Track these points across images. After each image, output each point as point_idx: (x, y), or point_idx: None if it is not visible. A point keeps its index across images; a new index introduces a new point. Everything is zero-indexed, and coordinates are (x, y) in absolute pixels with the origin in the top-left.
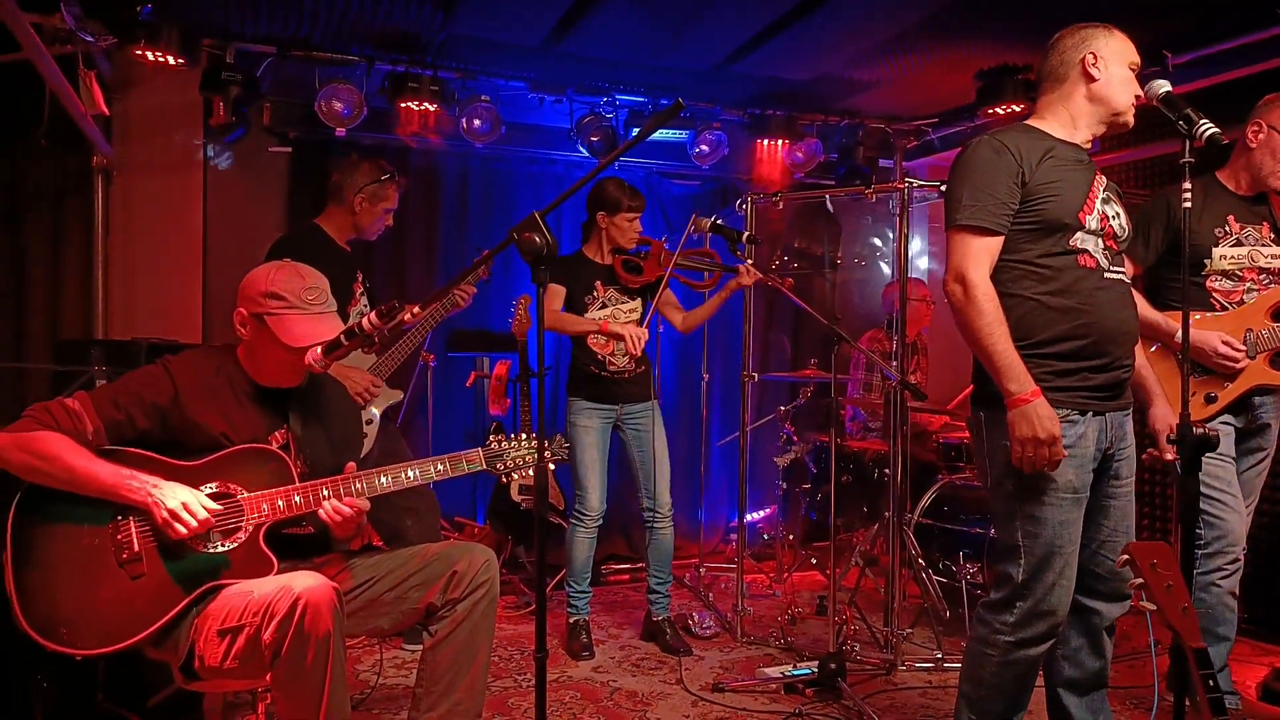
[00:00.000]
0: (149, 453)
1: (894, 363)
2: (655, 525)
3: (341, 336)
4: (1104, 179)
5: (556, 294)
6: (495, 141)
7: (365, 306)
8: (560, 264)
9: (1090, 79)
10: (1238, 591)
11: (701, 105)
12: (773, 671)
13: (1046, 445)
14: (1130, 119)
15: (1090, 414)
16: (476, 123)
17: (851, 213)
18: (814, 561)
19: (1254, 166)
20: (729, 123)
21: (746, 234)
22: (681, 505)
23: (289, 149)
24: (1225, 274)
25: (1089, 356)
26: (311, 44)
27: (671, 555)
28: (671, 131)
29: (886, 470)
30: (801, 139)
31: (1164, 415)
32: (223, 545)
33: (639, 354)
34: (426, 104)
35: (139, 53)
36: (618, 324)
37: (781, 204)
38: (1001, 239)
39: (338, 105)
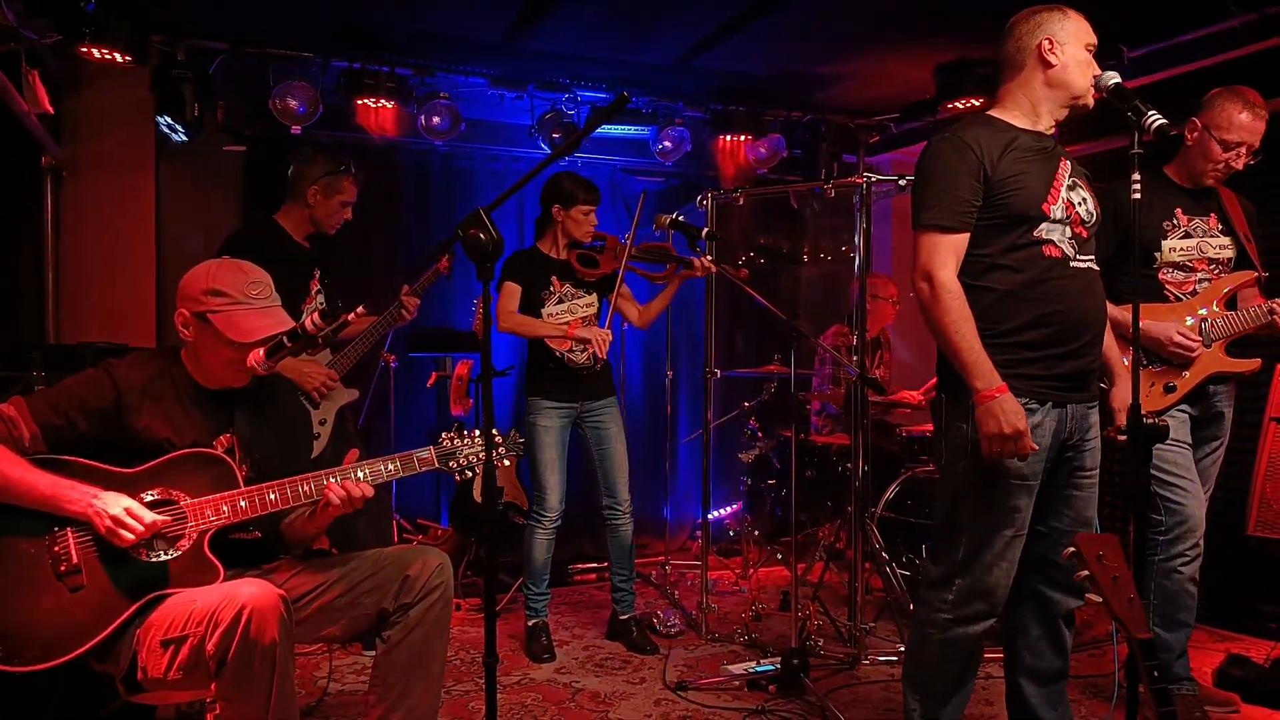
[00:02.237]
0: (88, 461)
1: (855, 358)
2: (615, 522)
3: (284, 338)
4: (1069, 164)
5: (512, 294)
6: (456, 138)
7: (322, 304)
8: (515, 260)
9: (1048, 65)
10: (1198, 578)
11: (664, 101)
12: (737, 668)
13: (1013, 440)
14: (1090, 101)
15: (1050, 404)
16: (436, 120)
17: (817, 210)
18: (779, 557)
19: (1190, 163)
20: (692, 119)
21: (706, 230)
22: (647, 502)
23: (243, 147)
24: (1176, 265)
25: (1055, 345)
26: (265, 40)
27: (632, 551)
28: (634, 127)
29: (849, 465)
30: (764, 135)
31: (1122, 394)
32: (166, 554)
33: (604, 356)
34: (384, 101)
35: (85, 50)
36: (583, 328)
37: (742, 200)
38: (967, 236)
39: (293, 102)
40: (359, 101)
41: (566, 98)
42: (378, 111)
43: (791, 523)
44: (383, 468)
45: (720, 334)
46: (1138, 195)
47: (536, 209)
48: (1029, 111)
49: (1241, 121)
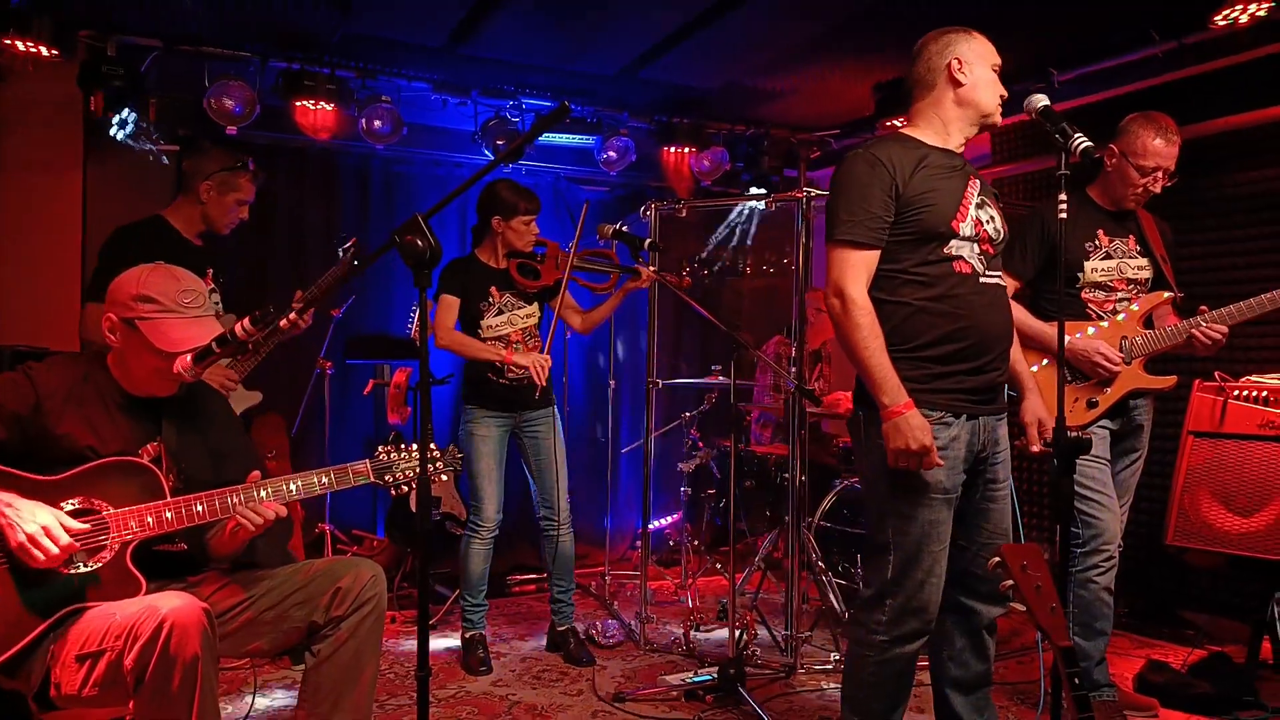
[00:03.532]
0: (4, 467)
1: (793, 369)
2: (552, 533)
3: (213, 343)
4: (978, 183)
5: (450, 307)
6: (397, 143)
7: (216, 302)
8: (452, 270)
9: (957, 84)
10: (1113, 587)
11: (609, 111)
12: (674, 679)
13: (918, 456)
14: (998, 119)
15: (964, 417)
16: (377, 123)
17: (760, 222)
18: (718, 566)
19: (1110, 187)
20: (636, 129)
21: (649, 240)
22: (588, 512)
23: (176, 147)
24: (1098, 285)
25: (965, 359)
26: (200, 39)
27: (573, 562)
28: (579, 137)
29: (788, 475)
30: (708, 147)
31: (1032, 408)
32: (86, 565)
33: (544, 384)
34: (323, 103)
35: (8, 42)
36: (521, 354)
37: (685, 212)
38: (878, 252)
39: (229, 103)
40: (297, 103)
41: (511, 105)
42: (317, 114)
43: (730, 533)
44: (316, 480)
45: (663, 344)
46: (1064, 215)
47: (478, 216)
48: (940, 130)
49: (1155, 148)
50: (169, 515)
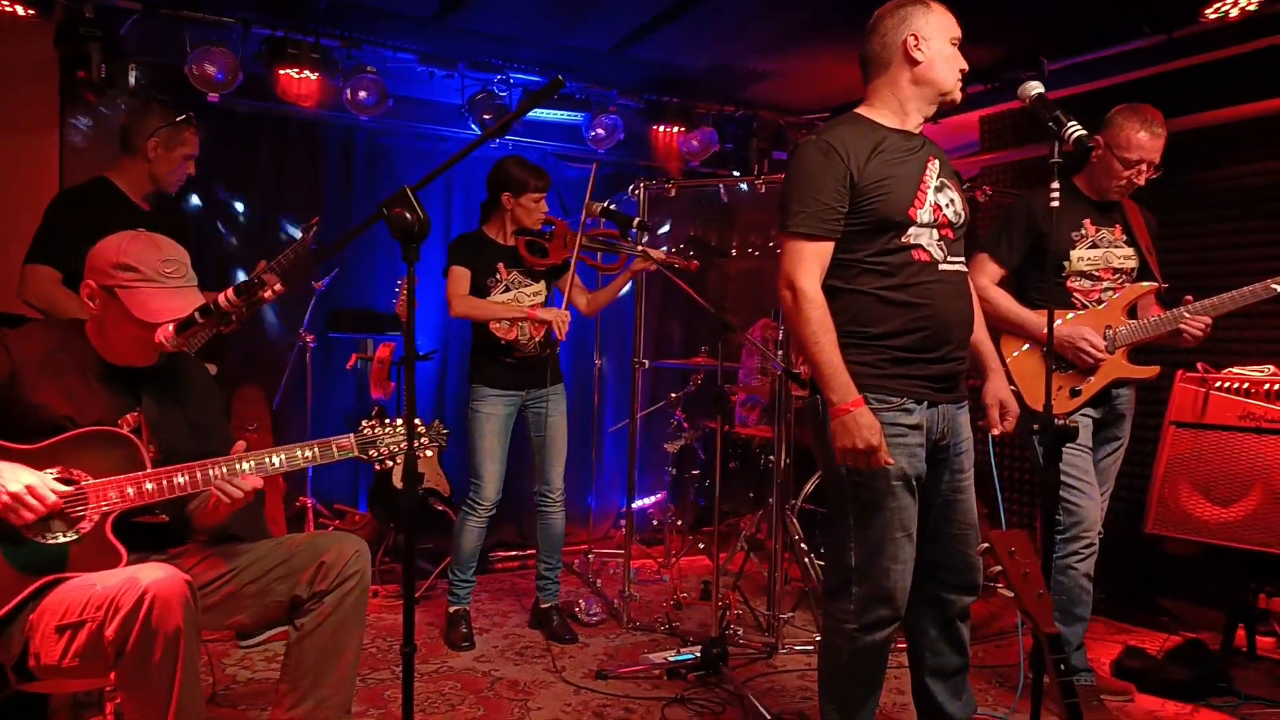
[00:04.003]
0: None
1: (779, 352)
2: (546, 510)
3: (196, 314)
4: (938, 163)
5: (461, 277)
6: (382, 115)
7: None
8: (461, 243)
9: (914, 62)
10: (1092, 574)
11: (598, 88)
12: (656, 657)
13: (865, 455)
14: (958, 96)
15: (924, 404)
16: (362, 94)
17: (747, 202)
18: (701, 546)
19: (1096, 178)
20: (625, 108)
21: (638, 219)
22: (573, 491)
23: None
24: (1084, 274)
25: (925, 349)
26: (182, 2)
27: (562, 540)
28: (567, 113)
29: (772, 457)
30: (697, 127)
31: (994, 389)
32: (64, 535)
33: (565, 337)
34: (307, 72)
35: None
36: (543, 309)
37: (674, 192)
38: (832, 244)
39: (211, 69)
40: (281, 71)
41: (499, 79)
42: (300, 83)
43: (714, 513)
44: (300, 454)
45: (650, 325)
46: (1056, 202)
47: (466, 191)
48: (897, 110)
49: (1140, 140)
50: (149, 486)
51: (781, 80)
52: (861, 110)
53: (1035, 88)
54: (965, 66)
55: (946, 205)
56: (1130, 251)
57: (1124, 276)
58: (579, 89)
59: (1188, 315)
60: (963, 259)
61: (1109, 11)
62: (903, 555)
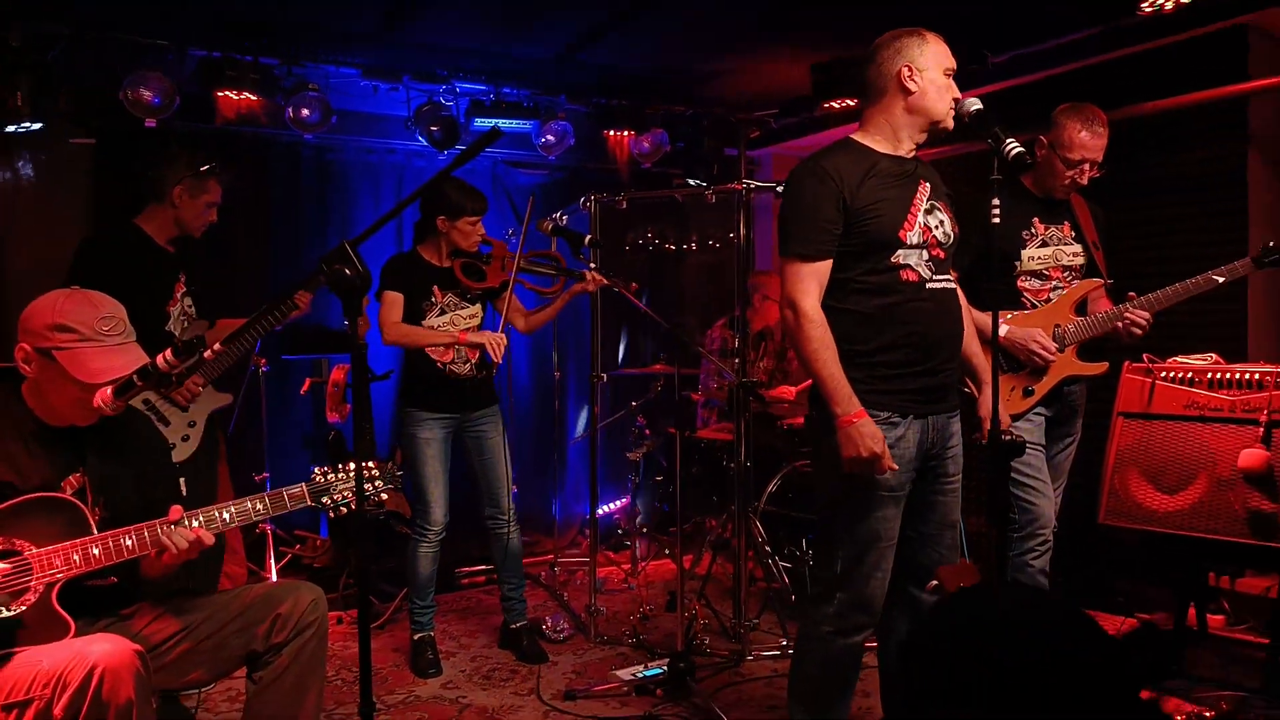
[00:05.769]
0: None
1: (736, 361)
2: (500, 531)
3: (134, 376)
4: (928, 187)
5: (395, 303)
6: (328, 130)
7: (189, 307)
8: (395, 266)
9: (907, 92)
10: (1049, 570)
11: (545, 96)
12: (624, 673)
13: (870, 462)
14: (950, 124)
15: (911, 417)
16: (305, 112)
17: (701, 199)
18: (668, 552)
19: (1041, 178)
20: (574, 112)
21: (590, 237)
22: (537, 502)
23: (92, 140)
24: (1034, 274)
25: (911, 364)
26: (113, 25)
27: (521, 557)
28: (516, 121)
29: (732, 463)
30: (647, 129)
31: (987, 402)
32: (8, 610)
33: (500, 360)
34: (247, 93)
35: None
36: (475, 333)
37: (624, 204)
38: (829, 263)
39: (146, 93)
40: (219, 93)
41: (444, 89)
42: (240, 103)
43: (678, 519)
44: (250, 508)
45: (607, 334)
46: (997, 219)
47: (415, 212)
48: (890, 136)
49: (1082, 141)
50: (96, 552)
51: (729, 79)
52: (856, 136)
53: (973, 105)
54: (959, 95)
55: (936, 227)
56: (1078, 248)
57: (1073, 274)
58: (526, 96)
59: (1129, 312)
60: (950, 276)
61: (1051, 4)
62: (884, 564)
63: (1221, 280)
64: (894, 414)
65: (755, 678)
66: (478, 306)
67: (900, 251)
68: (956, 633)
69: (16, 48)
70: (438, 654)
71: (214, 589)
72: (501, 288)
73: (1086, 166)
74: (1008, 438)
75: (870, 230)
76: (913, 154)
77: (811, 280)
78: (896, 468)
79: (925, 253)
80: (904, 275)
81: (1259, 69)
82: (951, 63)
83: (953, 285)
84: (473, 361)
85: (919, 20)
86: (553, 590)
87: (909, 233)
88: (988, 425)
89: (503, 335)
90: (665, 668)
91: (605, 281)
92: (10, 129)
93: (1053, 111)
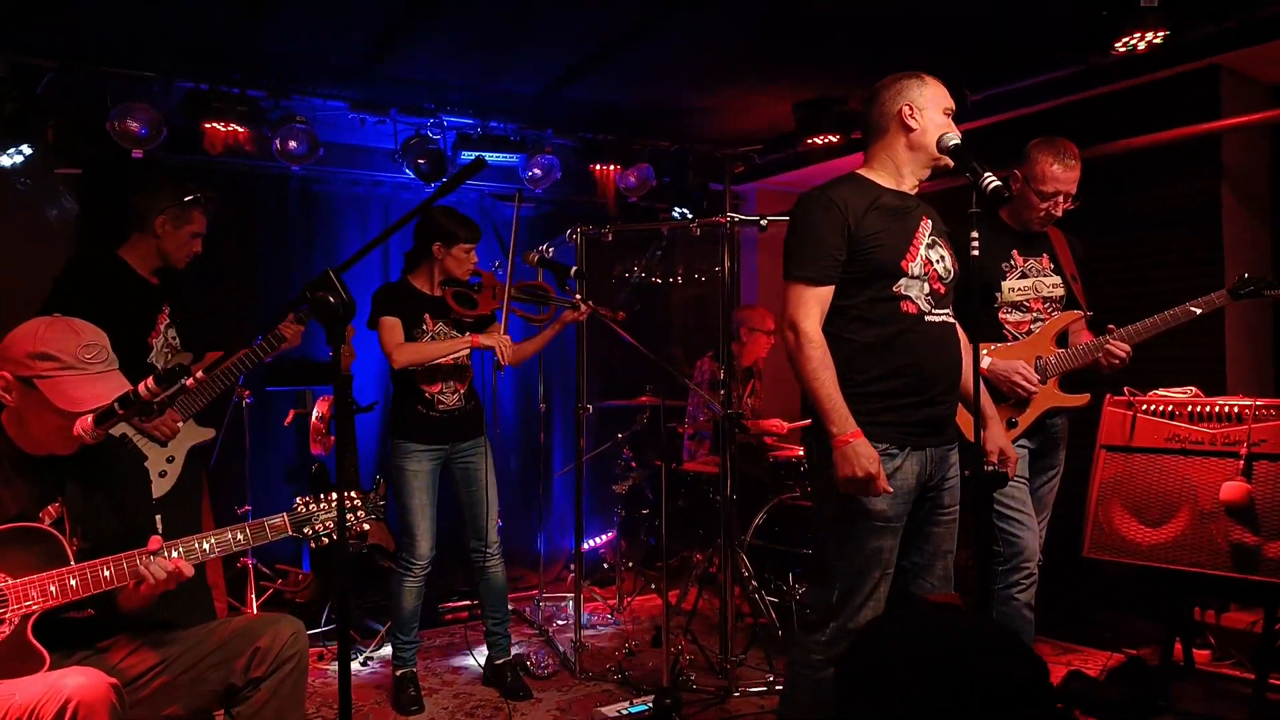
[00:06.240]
0: None
1: (722, 393)
2: (486, 565)
3: (115, 404)
4: (930, 223)
5: (395, 327)
6: (314, 162)
7: (173, 338)
8: (386, 294)
9: (909, 129)
10: (1034, 603)
11: (532, 130)
12: (610, 710)
13: (865, 482)
14: (950, 161)
15: (909, 448)
16: (292, 144)
17: (687, 233)
18: (654, 586)
19: (1018, 211)
20: (561, 146)
21: (575, 269)
22: (522, 535)
23: (78, 170)
24: (1015, 305)
25: (910, 394)
26: (101, 57)
27: (505, 591)
28: (503, 155)
29: (719, 496)
30: (633, 164)
31: (993, 437)
32: None
33: (507, 362)
34: (234, 125)
35: None
36: (485, 336)
37: (610, 237)
38: (831, 288)
39: (133, 124)
40: (206, 125)
41: (432, 123)
42: (227, 135)
43: (663, 553)
44: (231, 538)
45: (594, 365)
46: (976, 253)
47: (404, 233)
48: (893, 172)
49: (1054, 174)
50: (73, 583)
51: (715, 115)
52: (861, 171)
53: (952, 139)
54: (959, 135)
55: (937, 261)
56: (1058, 280)
57: (1053, 305)
58: (513, 130)
59: (1112, 342)
60: (949, 311)
61: (1028, 43)
62: (878, 594)
63: (1199, 311)
64: (891, 445)
65: (742, 714)
66: (468, 335)
67: (903, 281)
68: (880, 658)
69: (4, 79)
70: (420, 691)
71: (212, 618)
72: (492, 316)
73: (1060, 199)
74: (990, 468)
75: (874, 258)
76: (915, 190)
77: (814, 304)
78: (891, 489)
79: (926, 285)
80: (904, 306)
81: (1231, 107)
82: (950, 103)
83: (952, 320)
84: (461, 392)
85: (900, 58)
86: (538, 626)
87: (911, 263)
88: (993, 459)
89: (507, 336)
90: (651, 704)
91: (594, 310)
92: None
93: (1025, 147)
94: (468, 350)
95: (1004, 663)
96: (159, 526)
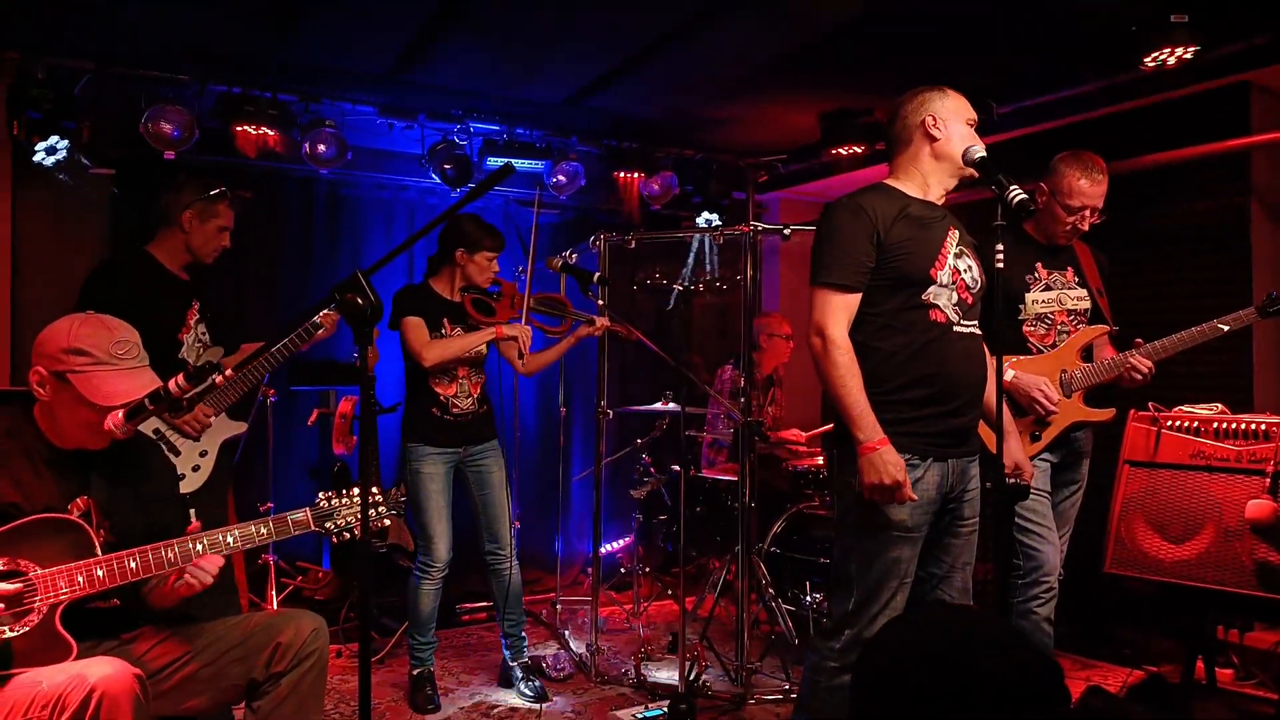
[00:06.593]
0: None
1: (742, 400)
2: (500, 567)
3: (146, 400)
4: (957, 234)
5: (419, 326)
6: (342, 166)
7: (203, 334)
8: (407, 295)
9: (932, 139)
10: (1053, 618)
11: (557, 137)
12: (624, 714)
13: (891, 490)
14: (975, 171)
15: (931, 459)
16: (321, 148)
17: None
18: (670, 592)
19: (1043, 224)
20: (585, 154)
21: (598, 275)
22: (540, 538)
23: (112, 170)
24: (1039, 318)
25: (935, 404)
26: (136, 61)
27: (521, 593)
28: (528, 161)
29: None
30: (657, 172)
31: (1011, 451)
32: (11, 630)
33: (528, 351)
34: (265, 128)
35: None
36: (508, 326)
37: (634, 244)
38: (859, 295)
39: (166, 126)
40: (238, 128)
41: (458, 129)
42: (258, 138)
43: (680, 559)
44: (254, 531)
45: (614, 370)
46: (1001, 264)
47: (430, 238)
48: (920, 183)
49: (1081, 188)
50: (100, 573)
51: (738, 125)
52: (888, 181)
53: (977, 152)
54: (984, 147)
55: (965, 270)
56: (1083, 293)
57: (1078, 318)
58: (539, 137)
59: (1136, 358)
60: (976, 323)
61: (1054, 57)
62: (895, 604)
63: (1226, 329)
64: (914, 455)
65: None
66: (492, 325)
67: (931, 289)
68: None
69: (41, 81)
70: (437, 690)
71: (237, 613)
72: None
73: (1087, 213)
74: (1012, 481)
75: (903, 265)
76: (942, 200)
77: (841, 310)
78: (916, 497)
79: (954, 294)
80: (932, 315)
81: (1261, 124)
82: (972, 114)
83: (978, 332)
84: (474, 396)
85: (925, 71)
86: (554, 628)
87: (940, 271)
88: (1009, 471)
89: (528, 328)
90: (666, 709)
91: (611, 325)
92: (36, 159)
93: (1051, 160)
94: (491, 339)
95: (1018, 664)
96: (193, 519)
